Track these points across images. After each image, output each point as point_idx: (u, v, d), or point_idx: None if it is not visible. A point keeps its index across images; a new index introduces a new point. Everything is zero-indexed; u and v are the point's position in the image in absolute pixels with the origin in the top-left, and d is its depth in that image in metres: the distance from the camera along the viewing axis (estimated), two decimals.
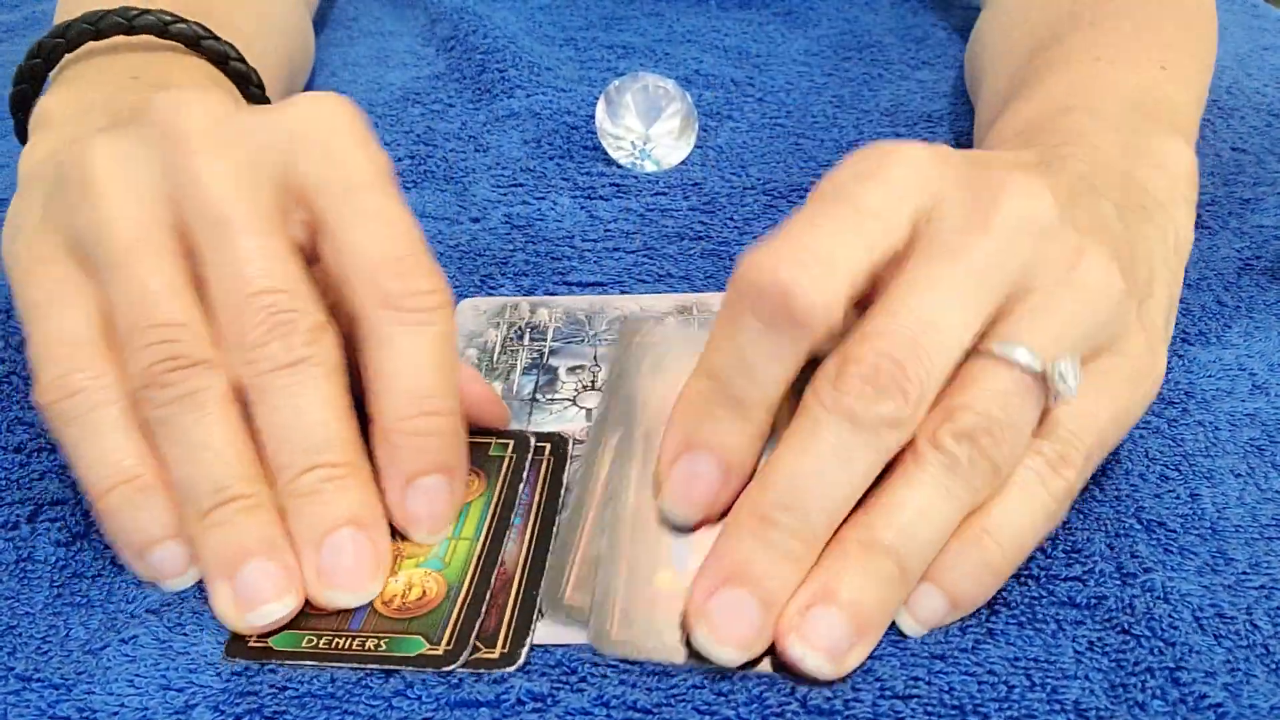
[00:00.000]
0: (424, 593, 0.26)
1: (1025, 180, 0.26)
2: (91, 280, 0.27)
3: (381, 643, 0.25)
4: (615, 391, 0.31)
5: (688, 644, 0.25)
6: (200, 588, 0.27)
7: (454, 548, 0.27)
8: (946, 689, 0.24)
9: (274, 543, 0.26)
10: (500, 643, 0.25)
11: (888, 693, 0.24)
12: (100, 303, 0.27)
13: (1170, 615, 0.26)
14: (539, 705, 0.24)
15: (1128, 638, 0.26)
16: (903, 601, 0.25)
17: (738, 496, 0.26)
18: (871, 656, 0.25)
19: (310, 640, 0.25)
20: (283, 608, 0.25)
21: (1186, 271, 0.40)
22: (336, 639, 0.25)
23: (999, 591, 0.27)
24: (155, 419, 0.26)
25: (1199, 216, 0.43)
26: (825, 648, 0.24)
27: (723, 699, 0.24)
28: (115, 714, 0.24)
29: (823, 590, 0.24)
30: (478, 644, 0.25)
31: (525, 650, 0.25)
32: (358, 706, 0.24)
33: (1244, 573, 0.28)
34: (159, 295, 0.26)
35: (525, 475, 0.29)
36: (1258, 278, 0.39)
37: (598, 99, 0.47)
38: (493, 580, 0.27)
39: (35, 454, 0.32)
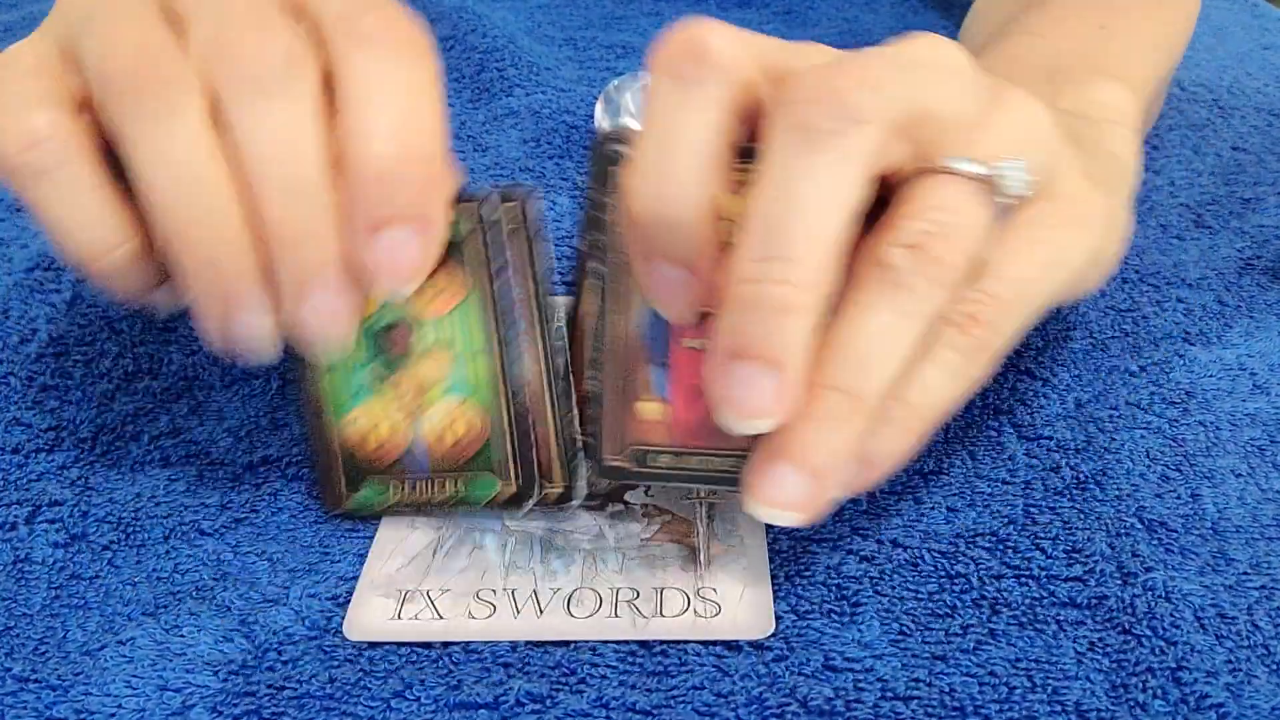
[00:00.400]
0: (467, 427, 0.26)
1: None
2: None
3: (459, 485, 0.25)
4: (593, 223, 0.30)
5: (675, 465, 0.25)
6: (198, 589, 0.27)
7: (472, 368, 0.27)
8: (947, 690, 0.24)
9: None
10: (557, 477, 0.25)
11: (889, 693, 0.24)
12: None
13: (1171, 615, 0.26)
14: (538, 707, 0.24)
15: (1129, 638, 0.26)
16: (872, 431, 0.24)
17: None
18: (873, 657, 0.25)
19: (396, 489, 0.25)
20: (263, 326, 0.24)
21: (1186, 270, 0.40)
22: (418, 484, 0.25)
23: (1000, 592, 0.27)
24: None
25: (1199, 216, 0.43)
26: (787, 503, 0.24)
27: (722, 700, 0.24)
28: (113, 715, 0.24)
29: (780, 446, 0.24)
30: (542, 481, 0.25)
31: (581, 484, 0.25)
32: (356, 708, 0.24)
33: (1245, 573, 0.27)
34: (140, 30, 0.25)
35: (508, 260, 0.27)
36: (1258, 277, 0.39)
37: (597, 99, 0.47)
38: (526, 404, 0.26)
39: (33, 455, 0.31)
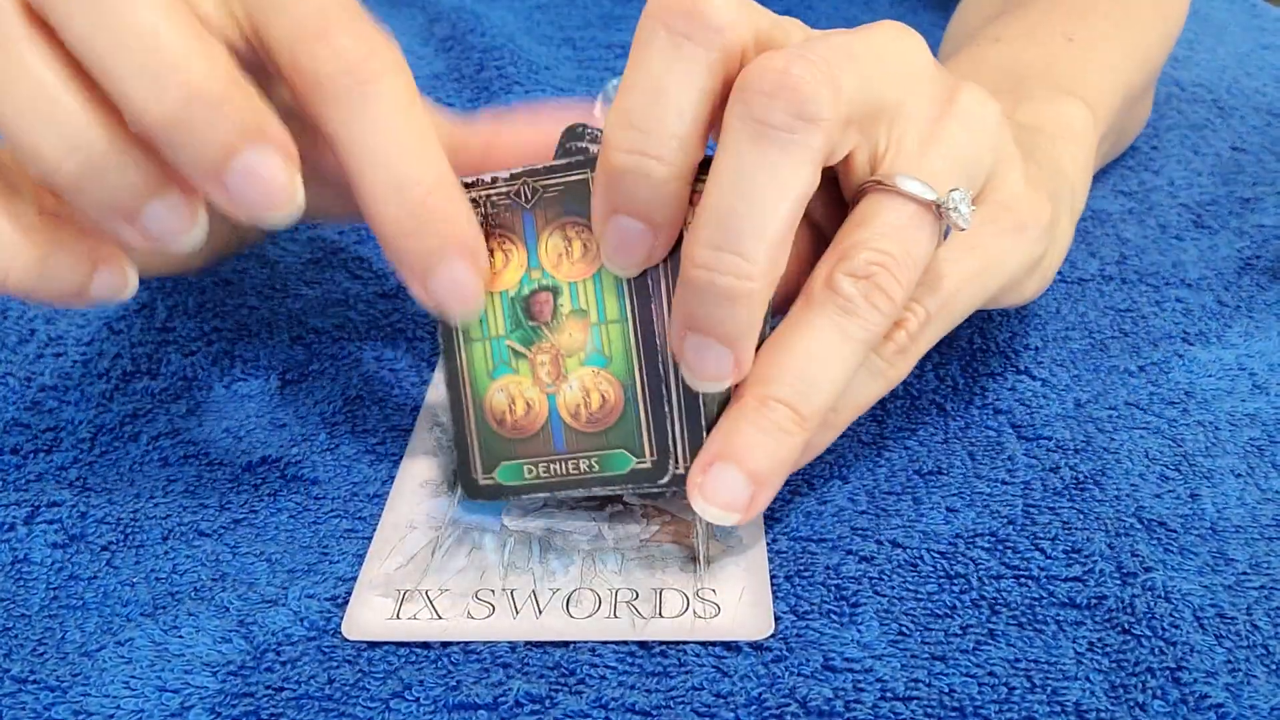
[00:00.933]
0: (603, 399, 0.26)
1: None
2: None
3: (594, 462, 0.25)
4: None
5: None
6: (197, 589, 0.27)
7: (607, 338, 0.26)
8: (947, 690, 0.24)
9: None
10: (681, 457, 0.26)
11: (888, 694, 0.24)
12: None
13: (1171, 615, 0.26)
14: (537, 707, 0.24)
15: (1128, 638, 0.26)
16: (811, 446, 0.26)
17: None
18: (873, 657, 0.25)
19: (531, 470, 0.25)
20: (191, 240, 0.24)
21: (1185, 270, 0.40)
22: (553, 465, 0.25)
23: (999, 592, 0.27)
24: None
25: (1198, 216, 0.43)
26: (724, 503, 0.25)
27: (721, 701, 0.24)
28: (111, 716, 0.24)
29: (727, 448, 0.25)
30: (677, 455, 0.25)
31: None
32: (355, 708, 0.24)
33: (1244, 573, 0.27)
34: None
35: None
36: (1258, 277, 0.39)
37: (595, 98, 0.47)
38: (660, 376, 0.26)
39: (31, 455, 0.31)
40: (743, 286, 0.23)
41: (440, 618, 0.26)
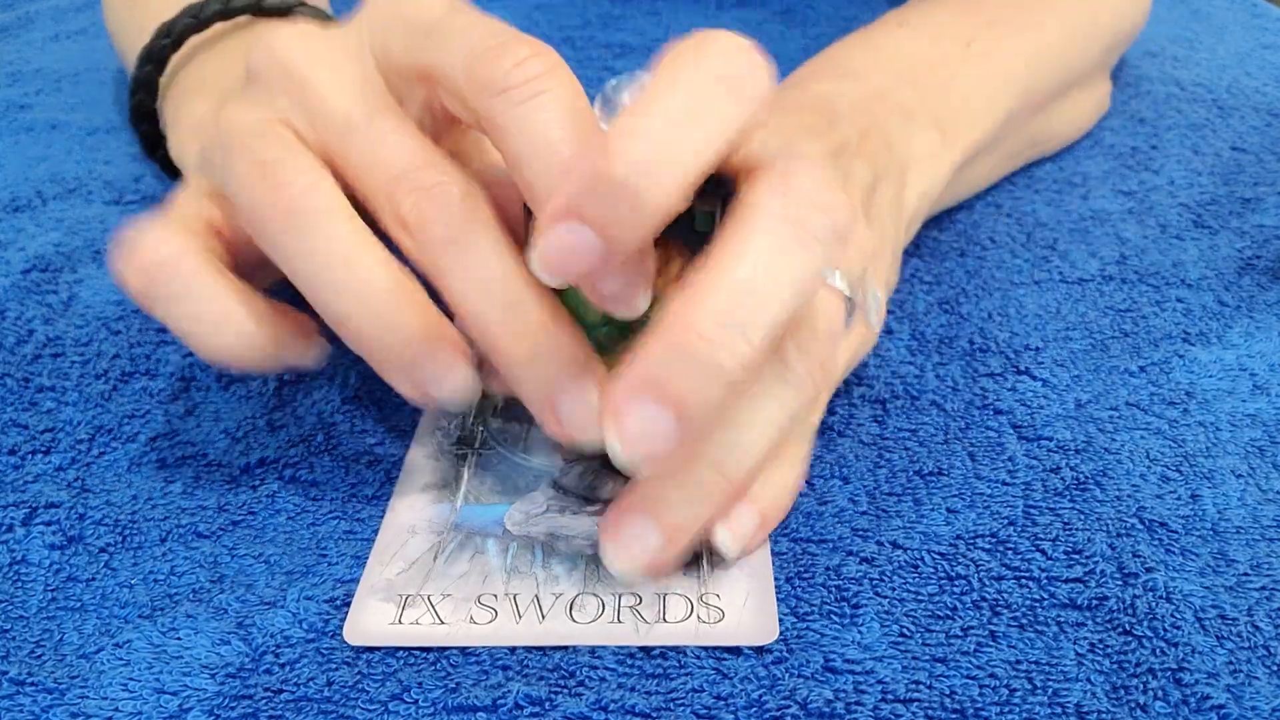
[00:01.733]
0: None
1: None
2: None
3: None
4: None
5: None
6: (195, 591, 0.27)
7: None
8: (948, 692, 0.24)
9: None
10: None
11: (889, 696, 0.24)
12: None
13: (1172, 616, 0.26)
14: (536, 710, 0.24)
15: (1129, 639, 0.25)
16: (725, 507, 0.26)
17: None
18: (874, 659, 0.25)
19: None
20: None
21: (1186, 270, 0.40)
22: None
23: (1000, 593, 0.27)
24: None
25: (1199, 216, 0.43)
26: (637, 555, 0.25)
27: (722, 703, 0.24)
28: (109, 718, 0.24)
29: (646, 501, 0.25)
30: None
31: None
32: (354, 711, 0.24)
33: (1245, 574, 0.27)
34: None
35: None
36: (1258, 277, 0.39)
37: (594, 98, 0.46)
38: None
39: (29, 456, 0.31)
40: (738, 372, 0.23)
41: (442, 622, 0.26)
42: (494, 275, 0.25)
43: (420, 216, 0.25)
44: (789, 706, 0.24)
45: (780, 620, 0.26)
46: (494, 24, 0.26)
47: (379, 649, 0.25)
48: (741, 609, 0.26)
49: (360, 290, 0.25)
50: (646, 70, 0.26)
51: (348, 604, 0.26)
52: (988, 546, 0.28)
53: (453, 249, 0.25)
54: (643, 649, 0.25)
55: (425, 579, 0.27)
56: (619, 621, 0.26)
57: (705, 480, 0.25)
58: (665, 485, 0.25)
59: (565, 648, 0.25)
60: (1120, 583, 0.27)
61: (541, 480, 0.30)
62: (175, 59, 0.40)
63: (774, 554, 0.28)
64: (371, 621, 0.26)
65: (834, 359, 0.26)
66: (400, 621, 0.26)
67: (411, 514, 0.29)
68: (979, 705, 0.24)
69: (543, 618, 0.26)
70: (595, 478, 0.30)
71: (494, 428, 0.32)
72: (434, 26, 0.26)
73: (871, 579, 0.27)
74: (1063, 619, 0.26)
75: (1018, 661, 0.25)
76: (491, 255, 0.25)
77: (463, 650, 0.25)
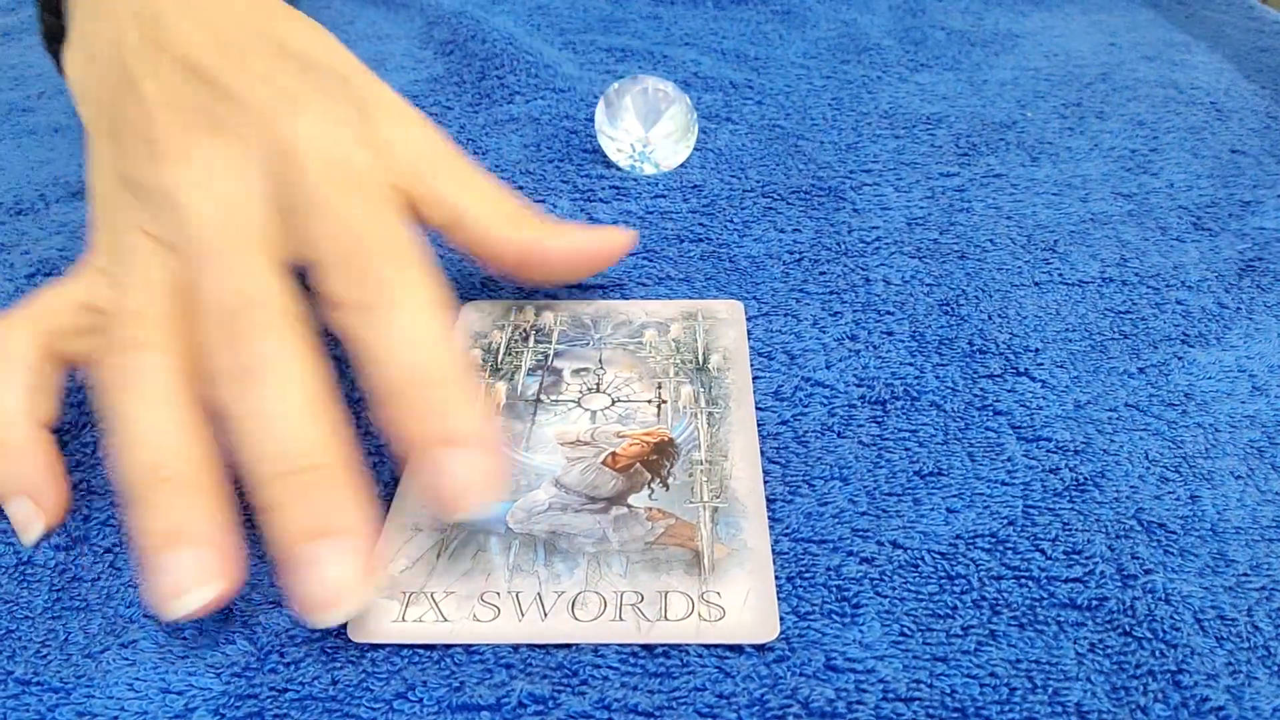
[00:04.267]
0: None
1: None
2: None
3: None
4: None
5: None
6: None
7: None
8: (949, 691, 0.24)
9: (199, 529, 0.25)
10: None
11: (890, 694, 0.24)
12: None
13: (1171, 617, 0.26)
14: (540, 708, 0.24)
15: (1129, 640, 0.26)
16: None
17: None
18: (875, 658, 0.25)
19: None
20: (202, 596, 0.25)
21: (1186, 272, 0.40)
22: None
23: (1000, 593, 0.27)
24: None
25: (1198, 218, 0.43)
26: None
27: (724, 701, 0.24)
28: (115, 718, 0.24)
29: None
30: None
31: None
32: (358, 709, 0.24)
33: (1245, 574, 0.28)
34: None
35: None
36: (1258, 279, 0.39)
37: (597, 102, 0.47)
38: None
39: None
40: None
41: (446, 620, 0.26)
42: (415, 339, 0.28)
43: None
44: (791, 705, 0.24)
45: (781, 619, 0.26)
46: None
47: (383, 646, 0.26)
48: (742, 607, 0.26)
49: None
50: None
51: None
52: (987, 546, 0.28)
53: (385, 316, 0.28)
54: (645, 647, 0.26)
55: (429, 576, 0.27)
56: (620, 619, 0.26)
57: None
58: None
59: (568, 646, 0.26)
60: (1120, 584, 0.27)
61: (543, 479, 0.30)
62: None
63: (774, 554, 0.28)
64: (375, 619, 0.26)
65: None
66: (404, 619, 0.26)
67: (414, 511, 0.29)
68: (979, 704, 0.24)
69: (545, 615, 0.26)
70: (597, 476, 0.30)
71: (496, 427, 0.32)
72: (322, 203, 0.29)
73: (872, 579, 0.27)
74: (1062, 619, 0.26)
75: (1018, 661, 0.25)
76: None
77: (466, 649, 0.26)
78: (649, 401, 0.33)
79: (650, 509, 0.29)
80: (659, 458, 0.31)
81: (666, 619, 0.26)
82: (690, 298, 0.38)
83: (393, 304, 0.27)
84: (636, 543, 0.28)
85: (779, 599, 0.27)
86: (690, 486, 0.30)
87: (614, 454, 0.31)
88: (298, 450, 0.25)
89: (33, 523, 0.29)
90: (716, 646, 0.26)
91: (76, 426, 0.33)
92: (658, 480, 0.30)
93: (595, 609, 0.26)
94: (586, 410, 0.33)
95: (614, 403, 0.33)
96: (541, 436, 0.32)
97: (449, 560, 0.28)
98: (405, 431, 0.26)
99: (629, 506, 0.29)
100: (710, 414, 0.32)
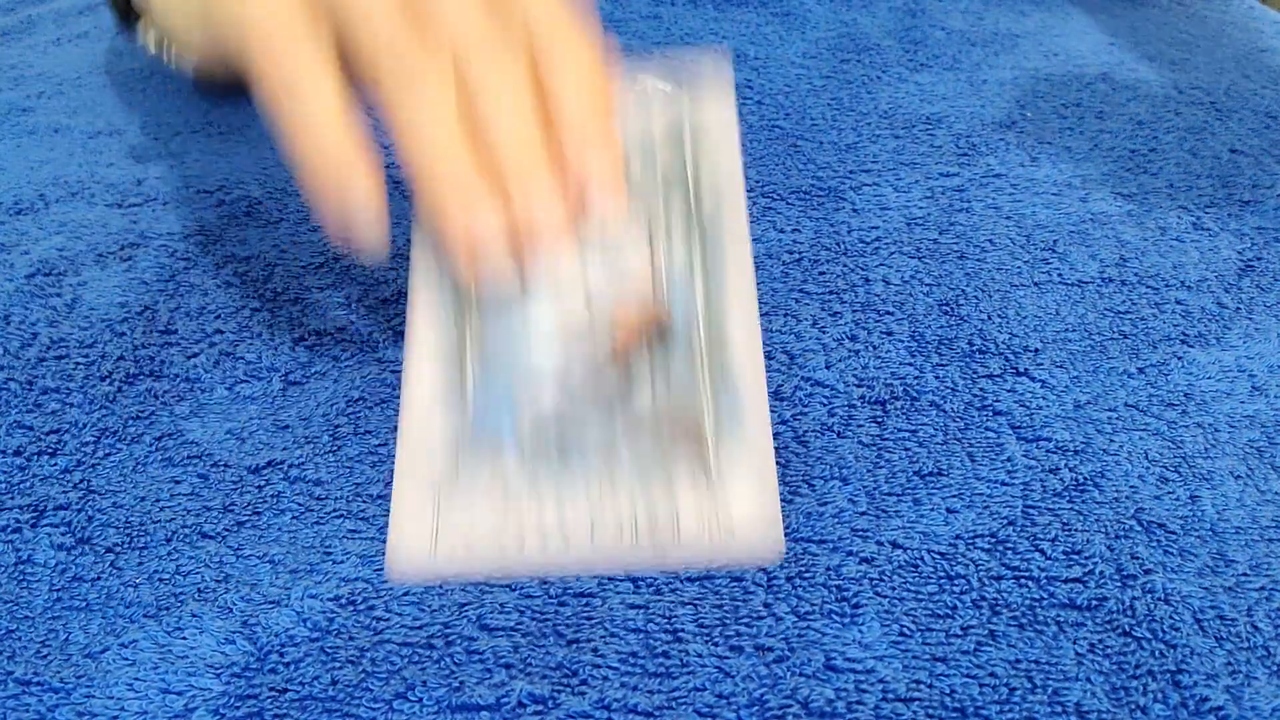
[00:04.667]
0: None
1: None
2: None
3: None
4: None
5: None
6: (200, 591, 0.27)
7: None
8: (948, 691, 0.24)
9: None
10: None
11: (890, 695, 0.24)
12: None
13: (1171, 617, 0.26)
14: (540, 708, 0.24)
15: (1128, 640, 0.26)
16: None
17: None
18: (874, 658, 0.25)
19: None
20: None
21: (1185, 272, 0.40)
22: None
23: (999, 593, 0.27)
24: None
25: (1198, 218, 0.43)
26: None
27: (724, 701, 0.24)
28: (115, 718, 0.24)
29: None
30: None
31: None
32: (358, 709, 0.24)
33: (1244, 574, 0.28)
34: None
35: None
36: (1257, 279, 0.39)
37: None
38: None
39: (35, 458, 0.31)
40: None
41: (474, 554, 0.26)
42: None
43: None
44: (790, 705, 0.24)
45: (781, 619, 0.26)
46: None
47: (384, 644, 0.26)
48: (750, 527, 0.27)
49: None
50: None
51: (353, 602, 0.27)
52: (987, 546, 0.28)
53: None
54: (645, 647, 0.26)
55: (449, 502, 0.27)
56: (636, 543, 0.26)
57: None
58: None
59: (568, 644, 0.26)
60: (1119, 584, 0.27)
61: (547, 381, 0.29)
62: None
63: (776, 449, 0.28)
64: (407, 558, 0.27)
65: None
66: (435, 553, 0.27)
67: (426, 429, 0.29)
68: (979, 704, 0.24)
69: (565, 543, 0.26)
70: (599, 376, 0.29)
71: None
72: None
73: (871, 579, 0.27)
74: (1062, 619, 0.26)
75: (1017, 661, 0.25)
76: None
77: (465, 648, 0.26)
78: (642, 260, 0.31)
79: (653, 409, 0.29)
80: (658, 342, 0.30)
81: (679, 541, 0.27)
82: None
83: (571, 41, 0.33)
84: (643, 453, 0.28)
85: (779, 599, 0.27)
86: (692, 380, 0.29)
87: (613, 347, 0.30)
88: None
89: (373, 208, 0.30)
90: (722, 632, 0.26)
91: (76, 426, 0.33)
92: (661, 376, 0.29)
93: (613, 533, 0.27)
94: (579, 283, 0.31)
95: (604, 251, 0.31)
96: (541, 331, 0.30)
97: (468, 479, 0.28)
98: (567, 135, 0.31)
99: (633, 411, 0.29)
100: (707, 282, 0.31)
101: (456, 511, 0.27)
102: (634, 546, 0.26)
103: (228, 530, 0.29)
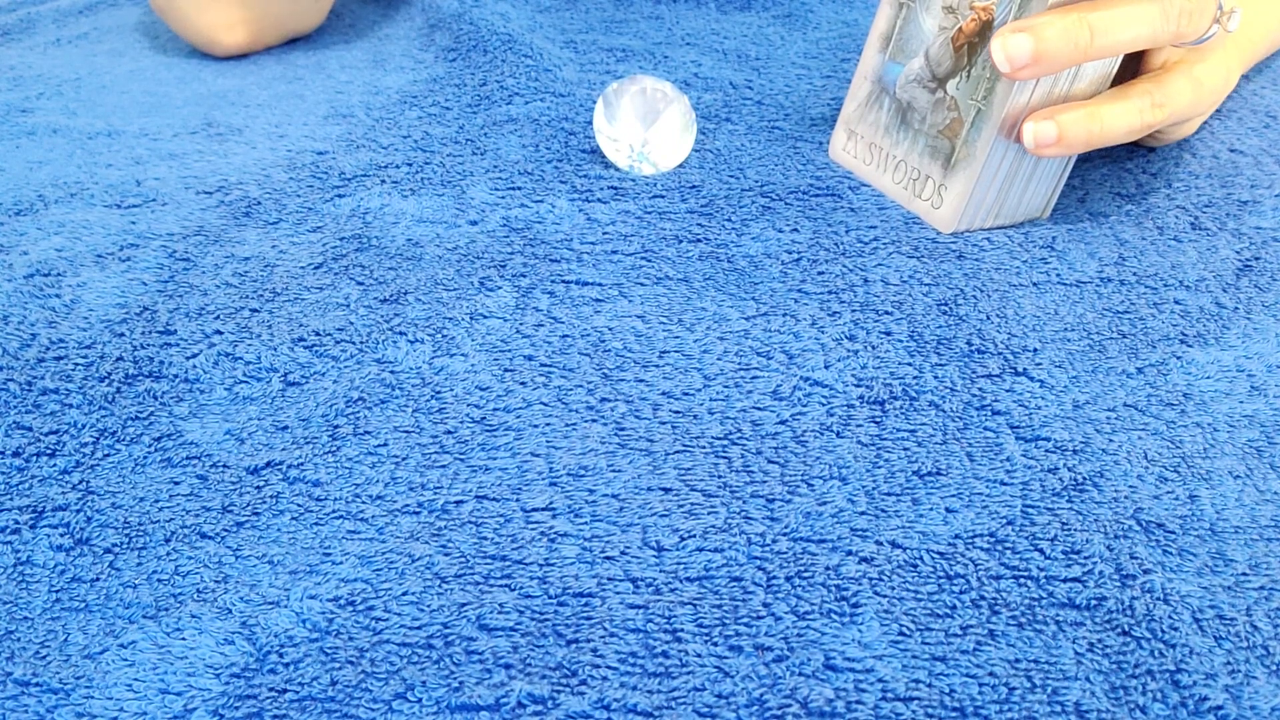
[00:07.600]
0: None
1: None
2: None
3: None
4: None
5: None
6: (200, 592, 0.27)
7: None
8: (948, 691, 0.24)
9: None
10: None
11: (889, 694, 0.24)
12: None
13: (1170, 617, 0.26)
14: (539, 708, 0.24)
15: (1128, 639, 0.26)
16: (1080, 61, 0.37)
17: None
18: (874, 657, 0.25)
19: None
20: None
21: (1184, 272, 0.40)
22: None
23: (998, 593, 0.27)
24: None
25: (1197, 218, 0.43)
26: (1005, 56, 0.37)
27: (723, 701, 0.24)
28: (114, 718, 0.24)
29: (1024, 23, 0.37)
30: None
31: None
32: (357, 710, 0.24)
33: (1243, 574, 0.28)
34: None
35: None
36: (1256, 279, 0.39)
37: (596, 102, 0.47)
38: None
39: (34, 459, 0.31)
40: None
41: (859, 160, 0.45)
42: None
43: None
44: (790, 705, 0.24)
45: (781, 617, 0.26)
46: None
47: (383, 645, 0.26)
48: (953, 203, 0.41)
49: None
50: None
51: (352, 603, 0.27)
52: (986, 546, 0.28)
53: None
54: (644, 646, 0.26)
55: (860, 120, 0.45)
56: (906, 189, 0.43)
57: (1076, 29, 0.36)
58: (1049, 21, 0.36)
59: (566, 644, 0.26)
60: (1118, 583, 0.27)
61: (923, 47, 0.41)
62: None
63: (772, 553, 0.28)
64: (836, 146, 0.46)
65: (1200, 21, 0.37)
66: (846, 150, 0.46)
67: (868, 62, 0.44)
68: (978, 704, 0.24)
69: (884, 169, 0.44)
70: (943, 51, 0.40)
71: None
72: None
73: (871, 578, 0.27)
74: (1061, 618, 0.26)
75: (1017, 660, 0.25)
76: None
77: (465, 649, 0.26)
78: None
79: (952, 98, 0.40)
80: (979, 41, 0.39)
81: (920, 197, 0.42)
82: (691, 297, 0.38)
83: None
84: (935, 128, 0.41)
85: (779, 598, 0.27)
86: (976, 82, 0.40)
87: (960, 29, 0.40)
88: None
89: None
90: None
91: (75, 427, 0.33)
92: (966, 68, 0.40)
93: (903, 174, 0.43)
94: None
95: None
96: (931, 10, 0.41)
97: (869, 108, 0.44)
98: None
99: (945, 92, 0.40)
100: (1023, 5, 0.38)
101: (862, 125, 0.45)
102: (903, 187, 0.43)
103: (227, 531, 0.29)
